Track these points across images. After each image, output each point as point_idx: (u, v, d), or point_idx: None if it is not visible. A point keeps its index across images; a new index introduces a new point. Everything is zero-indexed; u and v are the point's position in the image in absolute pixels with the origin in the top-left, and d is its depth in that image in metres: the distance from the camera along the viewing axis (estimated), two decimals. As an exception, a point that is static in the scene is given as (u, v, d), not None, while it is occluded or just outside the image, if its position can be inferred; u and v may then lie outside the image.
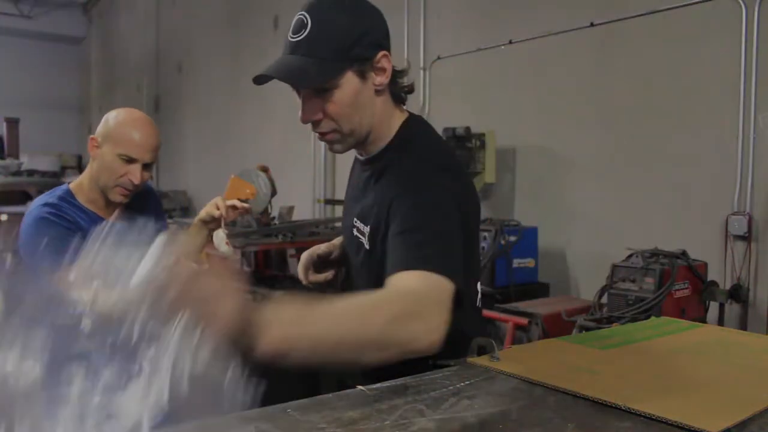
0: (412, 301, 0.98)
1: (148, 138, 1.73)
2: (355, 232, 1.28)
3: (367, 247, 1.25)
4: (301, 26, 1.18)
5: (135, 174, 1.71)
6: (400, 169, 1.21)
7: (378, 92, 1.22)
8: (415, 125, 1.30)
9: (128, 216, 1.83)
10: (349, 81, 1.17)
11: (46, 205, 1.69)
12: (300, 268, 1.48)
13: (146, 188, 1.86)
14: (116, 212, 1.82)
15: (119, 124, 1.71)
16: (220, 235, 1.87)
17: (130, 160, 1.70)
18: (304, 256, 1.48)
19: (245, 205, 1.92)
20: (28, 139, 11.27)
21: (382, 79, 1.22)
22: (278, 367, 0.92)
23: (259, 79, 1.19)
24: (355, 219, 1.28)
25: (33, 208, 1.71)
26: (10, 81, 13.08)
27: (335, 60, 1.15)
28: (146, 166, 1.74)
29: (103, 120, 1.75)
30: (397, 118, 1.29)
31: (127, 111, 1.76)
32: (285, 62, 1.18)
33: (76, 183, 1.79)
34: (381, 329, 0.93)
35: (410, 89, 1.32)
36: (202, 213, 1.94)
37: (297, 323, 0.90)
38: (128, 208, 1.83)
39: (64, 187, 1.78)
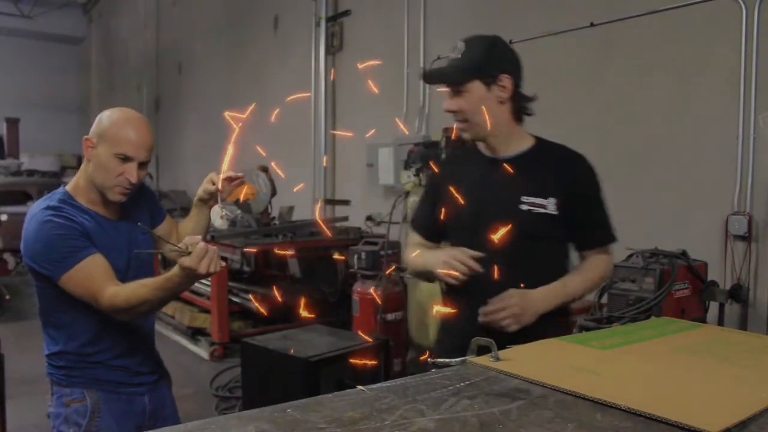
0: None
1: (144, 136, 1.72)
2: (525, 207, 1.74)
3: (556, 212, 1.74)
4: (453, 49, 1.78)
5: (131, 173, 1.70)
6: (570, 158, 1.86)
7: (501, 103, 1.76)
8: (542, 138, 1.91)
9: (128, 214, 1.84)
10: (477, 88, 1.75)
11: (48, 208, 1.68)
12: (461, 262, 1.65)
13: (140, 184, 1.85)
14: (117, 211, 1.81)
15: (114, 123, 1.70)
16: (216, 210, 1.87)
17: (126, 159, 1.69)
18: (460, 254, 1.67)
19: (240, 174, 1.91)
20: (28, 139, 11.26)
21: (502, 94, 1.75)
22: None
23: (428, 78, 1.92)
24: (524, 197, 1.74)
25: (35, 212, 1.70)
26: (10, 81, 13.08)
27: (467, 72, 1.75)
28: (142, 165, 1.74)
29: (96, 120, 1.74)
30: (525, 132, 1.87)
31: (121, 110, 1.75)
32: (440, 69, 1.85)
33: (73, 185, 1.78)
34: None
35: (529, 112, 1.85)
36: (200, 192, 1.96)
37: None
38: (127, 206, 1.83)
39: (61, 190, 1.77)
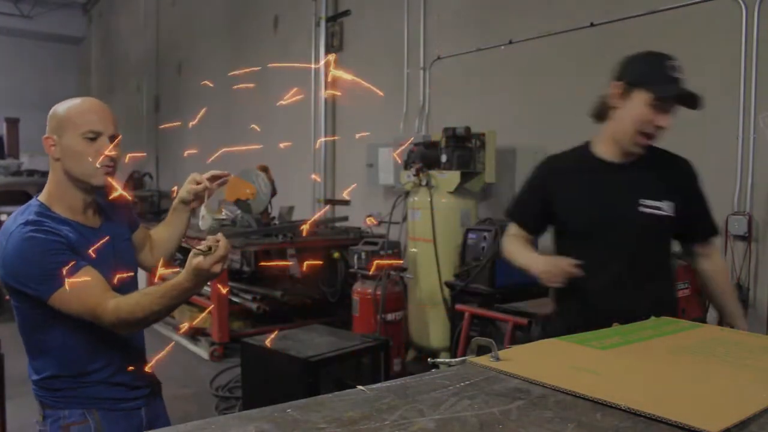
0: None
1: (103, 109, 1.67)
2: (644, 210, 1.89)
3: (672, 213, 1.90)
4: (680, 68, 1.90)
5: (105, 147, 1.61)
6: (679, 162, 2.05)
7: None
8: None
9: (108, 221, 1.76)
10: None
11: (27, 223, 1.55)
12: (562, 269, 1.82)
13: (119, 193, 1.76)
14: (97, 218, 1.72)
15: (68, 109, 1.64)
16: (202, 211, 1.76)
17: (96, 135, 1.61)
18: (561, 262, 1.83)
19: (225, 172, 1.81)
20: (28, 139, 11.24)
21: None
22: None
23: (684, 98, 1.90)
24: (643, 200, 1.89)
25: (12, 229, 1.56)
26: (10, 81, 13.08)
27: None
28: (113, 141, 1.63)
29: (48, 118, 1.66)
30: None
31: (69, 99, 1.70)
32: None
33: (46, 195, 1.66)
34: None
35: None
36: (182, 192, 1.85)
37: None
38: (107, 213, 1.75)
39: (35, 202, 1.64)
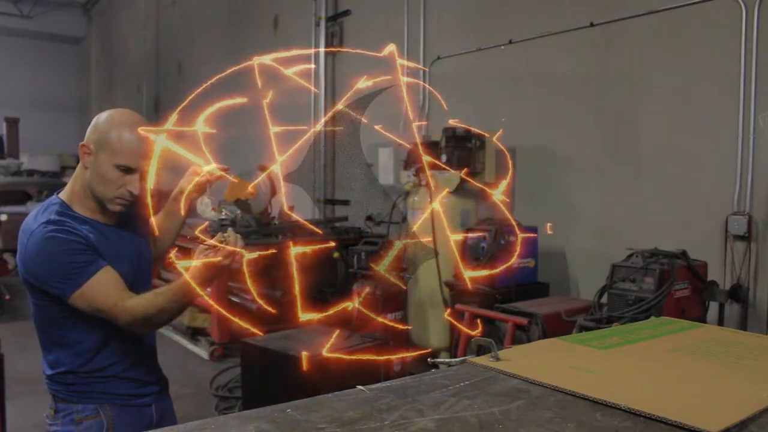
0: None
1: (142, 144, 1.58)
2: None
3: None
4: None
5: (134, 184, 1.61)
6: None
7: None
8: None
9: (126, 217, 1.77)
10: None
11: (49, 223, 1.57)
12: None
13: None
14: (115, 216, 1.73)
15: (113, 129, 1.58)
16: (205, 201, 1.77)
17: (129, 170, 1.59)
18: None
19: (225, 167, 1.81)
20: (28, 139, 11.27)
21: None
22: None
23: None
24: None
25: (33, 228, 1.57)
26: (10, 81, 13.09)
27: None
28: (142, 175, 1.63)
29: (92, 124, 1.61)
30: None
31: (120, 114, 1.63)
32: None
33: (68, 193, 1.66)
34: None
35: None
36: (183, 183, 1.86)
37: None
38: (123, 211, 1.75)
39: (56, 200, 1.65)
